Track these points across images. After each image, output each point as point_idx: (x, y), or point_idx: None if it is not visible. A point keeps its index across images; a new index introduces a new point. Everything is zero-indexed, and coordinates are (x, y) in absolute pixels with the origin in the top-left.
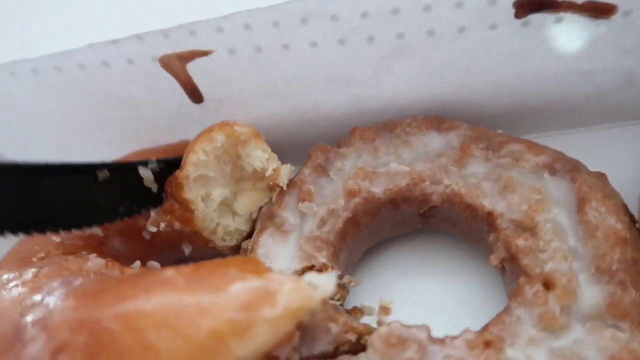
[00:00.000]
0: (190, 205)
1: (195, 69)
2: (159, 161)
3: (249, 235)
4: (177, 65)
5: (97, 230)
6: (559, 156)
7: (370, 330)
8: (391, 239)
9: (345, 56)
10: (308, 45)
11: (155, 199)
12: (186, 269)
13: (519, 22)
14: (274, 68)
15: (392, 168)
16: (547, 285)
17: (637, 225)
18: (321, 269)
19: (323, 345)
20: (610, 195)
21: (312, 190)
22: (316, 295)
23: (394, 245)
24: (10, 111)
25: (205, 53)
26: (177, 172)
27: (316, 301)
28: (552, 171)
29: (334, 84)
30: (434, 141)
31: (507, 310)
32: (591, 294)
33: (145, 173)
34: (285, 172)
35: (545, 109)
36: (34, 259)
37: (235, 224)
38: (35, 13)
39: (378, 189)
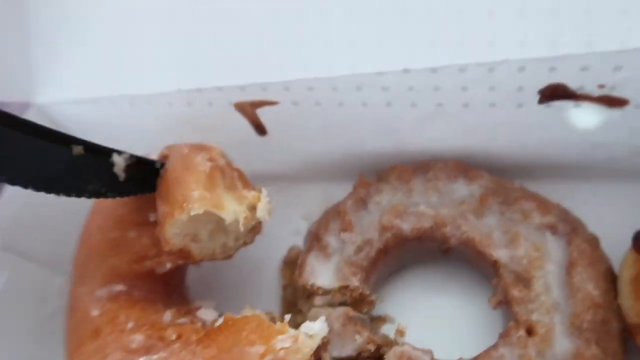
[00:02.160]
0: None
1: (263, 111)
2: (131, 155)
3: (245, 243)
4: (248, 109)
5: (120, 287)
6: (563, 217)
7: (387, 342)
8: (413, 263)
9: (390, 114)
10: (360, 105)
11: (121, 187)
12: (212, 354)
13: (542, 105)
14: (329, 117)
15: (420, 210)
16: (530, 331)
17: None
18: (354, 291)
19: (349, 351)
20: (596, 261)
21: (353, 221)
22: (313, 343)
23: (416, 268)
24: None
25: (272, 103)
26: (161, 236)
27: (315, 345)
28: (554, 231)
29: (380, 132)
30: (460, 190)
31: (495, 346)
32: (563, 344)
33: (118, 160)
34: (262, 210)
35: (561, 163)
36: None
37: (233, 240)
38: (130, 54)
39: (407, 226)
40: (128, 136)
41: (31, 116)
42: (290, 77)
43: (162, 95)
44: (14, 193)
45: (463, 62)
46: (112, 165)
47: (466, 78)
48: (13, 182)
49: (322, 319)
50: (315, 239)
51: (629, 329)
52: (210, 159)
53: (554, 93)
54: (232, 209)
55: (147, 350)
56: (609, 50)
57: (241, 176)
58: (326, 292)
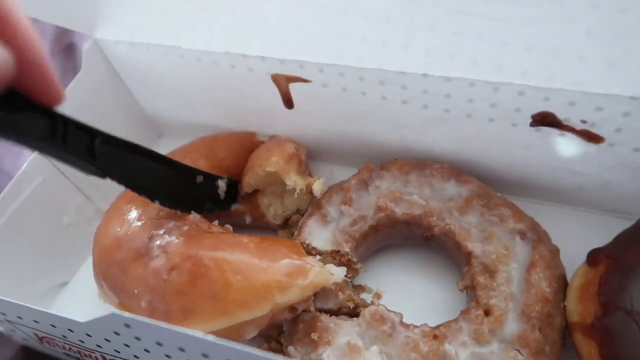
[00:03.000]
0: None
1: (295, 87)
2: (228, 178)
3: (286, 222)
4: (283, 81)
5: None
6: (532, 227)
7: (364, 304)
8: (398, 244)
9: (404, 111)
10: (379, 98)
11: (221, 204)
12: (256, 240)
13: (533, 128)
14: (351, 104)
15: (413, 199)
16: (487, 312)
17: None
18: (343, 256)
19: (331, 304)
20: (553, 266)
21: (353, 197)
22: (331, 278)
23: (399, 249)
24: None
25: (305, 80)
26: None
27: (330, 282)
28: (523, 236)
29: (391, 124)
30: (450, 189)
31: (456, 320)
32: (512, 326)
33: (222, 185)
34: (317, 187)
35: (540, 185)
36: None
37: (282, 210)
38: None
39: (399, 211)
40: (169, 85)
41: (87, 48)
42: (326, 61)
43: (211, 54)
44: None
45: (474, 77)
46: (217, 187)
47: (474, 92)
48: (162, 203)
49: (344, 269)
50: (317, 206)
51: (569, 327)
52: (296, 149)
53: (544, 119)
54: (294, 179)
55: (198, 223)
56: (594, 92)
57: (309, 172)
58: (319, 253)
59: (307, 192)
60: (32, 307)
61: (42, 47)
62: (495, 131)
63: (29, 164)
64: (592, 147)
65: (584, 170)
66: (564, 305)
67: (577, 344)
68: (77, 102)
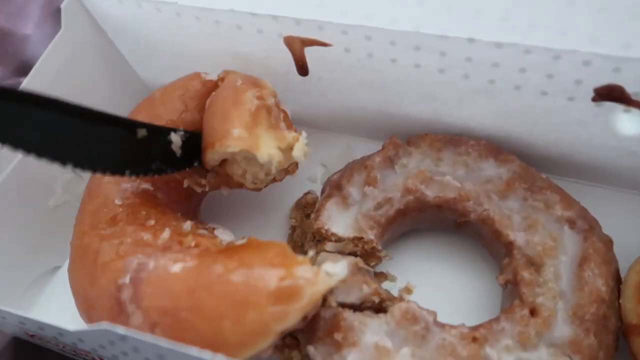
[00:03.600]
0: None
1: (311, 51)
2: (185, 131)
3: (273, 181)
4: (297, 45)
5: (147, 185)
6: (583, 214)
7: (390, 298)
8: (426, 229)
9: (440, 81)
10: (412, 66)
11: (178, 163)
12: (232, 263)
13: (594, 103)
14: (377, 72)
15: (446, 180)
16: (533, 312)
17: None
18: (367, 243)
19: (353, 298)
20: (608, 261)
21: (378, 177)
22: (332, 281)
23: (427, 234)
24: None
25: (325, 44)
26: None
27: (332, 285)
28: (572, 226)
29: (423, 96)
30: (488, 169)
31: (497, 319)
32: (562, 329)
33: (176, 139)
34: (298, 152)
35: (590, 165)
36: (109, 229)
37: (262, 174)
38: None
39: (430, 193)
40: (164, 47)
41: (66, 4)
42: (350, 22)
43: (212, 12)
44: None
45: (530, 43)
46: (170, 143)
47: (528, 60)
48: (82, 167)
49: (345, 263)
50: (336, 187)
51: (624, 329)
52: (260, 98)
53: (610, 93)
54: (267, 152)
55: (164, 249)
56: None
57: (286, 118)
58: (339, 240)
59: (288, 150)
60: (15, 312)
61: None
62: (546, 106)
63: None
64: None
65: None
66: (619, 305)
67: (635, 349)
68: (59, 65)
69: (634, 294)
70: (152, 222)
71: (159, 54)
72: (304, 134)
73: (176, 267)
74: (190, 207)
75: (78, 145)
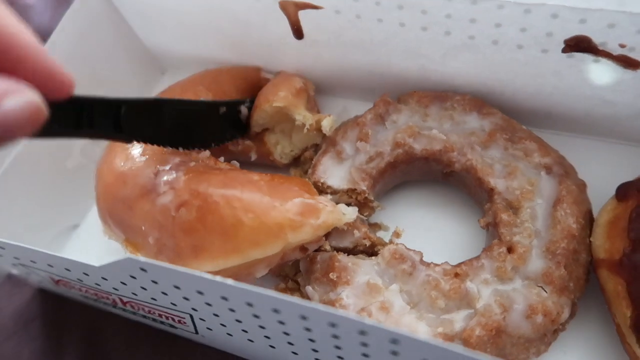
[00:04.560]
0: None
1: (305, 15)
2: (250, 101)
3: (298, 158)
4: (292, 9)
5: None
6: (559, 160)
7: (381, 242)
8: (416, 181)
9: (424, 38)
10: (397, 24)
11: (242, 129)
12: (266, 177)
13: (565, 54)
14: (366, 32)
15: (433, 133)
16: (510, 250)
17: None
18: (360, 194)
19: (346, 243)
20: (580, 202)
21: (369, 133)
22: (343, 218)
23: (417, 185)
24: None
25: (316, 7)
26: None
27: (342, 222)
28: (549, 171)
29: (409, 54)
30: (472, 122)
31: (477, 258)
32: (536, 264)
33: (244, 110)
34: (327, 123)
35: (568, 116)
36: None
37: (290, 149)
38: None
39: (418, 146)
40: (168, 17)
41: None
42: None
43: None
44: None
45: None
46: (239, 112)
47: (502, 15)
48: (188, 148)
49: (355, 209)
50: (331, 143)
51: (594, 263)
52: (304, 84)
53: (578, 44)
54: (303, 114)
55: (204, 160)
56: (638, 12)
57: (317, 109)
58: (334, 192)
59: (316, 129)
60: (45, 251)
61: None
62: (523, 59)
63: None
64: (628, 74)
65: (616, 99)
66: (590, 241)
67: (603, 281)
68: (72, 38)
69: (604, 231)
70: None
71: (166, 25)
72: (332, 115)
73: (215, 169)
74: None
75: (187, 132)
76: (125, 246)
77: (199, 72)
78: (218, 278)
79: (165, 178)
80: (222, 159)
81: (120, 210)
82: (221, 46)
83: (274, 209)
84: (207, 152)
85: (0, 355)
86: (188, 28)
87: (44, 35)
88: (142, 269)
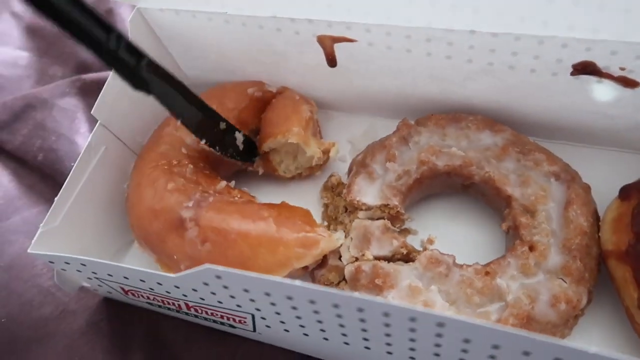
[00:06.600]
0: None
1: (340, 46)
2: (244, 134)
3: (299, 175)
4: (328, 42)
5: (205, 146)
6: (565, 168)
7: (414, 250)
8: (438, 193)
9: (447, 66)
10: (425, 54)
11: (242, 155)
12: (274, 212)
13: (572, 76)
14: (395, 61)
15: (452, 151)
16: (531, 248)
17: (599, 228)
18: (392, 208)
19: (386, 252)
20: (587, 203)
21: (396, 154)
22: (337, 243)
23: (441, 197)
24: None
25: (351, 40)
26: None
27: (336, 246)
28: (557, 178)
29: (433, 79)
30: (486, 139)
31: (504, 257)
32: (555, 259)
33: (239, 136)
34: (333, 153)
35: (574, 128)
36: (175, 168)
37: (294, 166)
38: None
39: (440, 163)
40: (211, 50)
41: (132, 18)
42: (373, 22)
43: (257, 19)
44: (114, 81)
45: (519, 32)
46: (235, 139)
47: (518, 45)
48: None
49: (341, 233)
50: (362, 165)
51: (603, 255)
52: (311, 111)
53: (584, 68)
54: (313, 148)
55: (220, 193)
56: (636, 41)
57: (319, 129)
58: (369, 208)
59: (326, 152)
60: (125, 266)
61: None
62: (535, 81)
63: (94, 135)
64: (627, 91)
65: (616, 113)
66: (599, 237)
67: (612, 270)
68: None
69: (609, 227)
70: (207, 172)
71: (206, 56)
72: (336, 144)
73: (231, 204)
74: (226, 173)
75: (190, 120)
76: (160, 266)
77: (205, 91)
78: (286, 280)
79: (190, 215)
80: (233, 183)
81: (154, 240)
82: (257, 73)
83: (282, 244)
84: (223, 183)
85: (76, 348)
86: (228, 58)
87: (89, 67)
88: (217, 277)
